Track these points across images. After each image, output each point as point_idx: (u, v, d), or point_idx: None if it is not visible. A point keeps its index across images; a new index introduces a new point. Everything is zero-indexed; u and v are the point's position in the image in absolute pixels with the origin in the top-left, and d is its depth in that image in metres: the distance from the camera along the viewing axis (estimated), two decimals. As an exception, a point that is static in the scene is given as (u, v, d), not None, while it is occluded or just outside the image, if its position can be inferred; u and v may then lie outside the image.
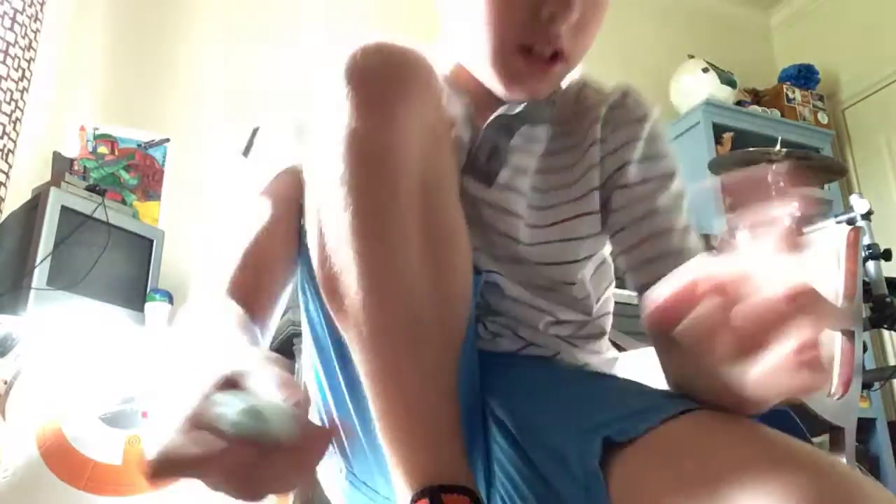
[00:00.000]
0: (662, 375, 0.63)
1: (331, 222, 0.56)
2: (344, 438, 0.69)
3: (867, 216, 2.15)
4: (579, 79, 0.87)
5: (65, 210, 2.19)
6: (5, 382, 1.11)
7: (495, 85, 0.76)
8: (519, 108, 0.76)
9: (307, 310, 0.71)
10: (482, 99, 0.78)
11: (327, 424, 0.70)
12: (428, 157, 0.57)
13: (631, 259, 0.77)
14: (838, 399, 1.29)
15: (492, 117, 0.76)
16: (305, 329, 0.72)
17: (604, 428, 0.56)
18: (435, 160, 0.58)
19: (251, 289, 0.74)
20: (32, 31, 2.37)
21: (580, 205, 0.78)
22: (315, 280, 0.60)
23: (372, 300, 0.54)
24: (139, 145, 2.80)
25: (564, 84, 0.84)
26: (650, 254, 0.75)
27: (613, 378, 0.79)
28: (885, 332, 3.67)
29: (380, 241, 0.54)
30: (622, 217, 0.78)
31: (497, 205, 0.75)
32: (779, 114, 3.76)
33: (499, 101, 0.78)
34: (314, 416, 0.72)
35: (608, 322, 0.87)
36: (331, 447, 0.71)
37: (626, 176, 0.78)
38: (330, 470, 0.76)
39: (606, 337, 0.87)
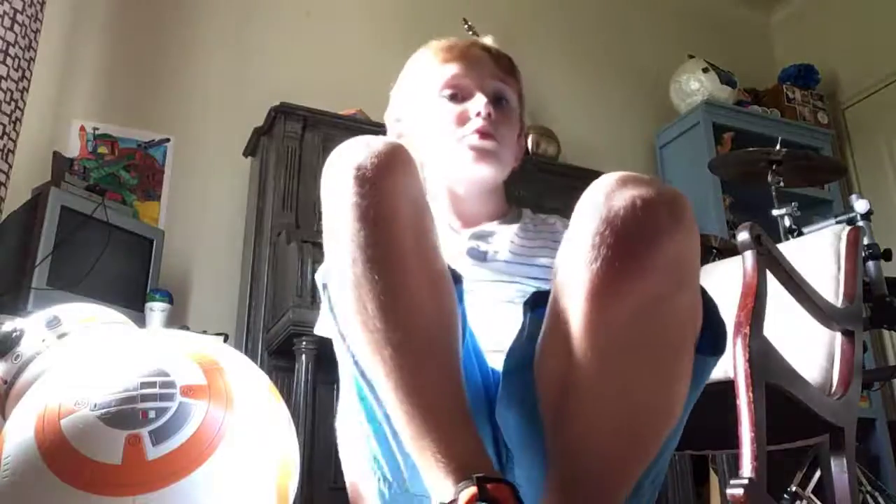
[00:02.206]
0: None
1: (347, 274, 0.70)
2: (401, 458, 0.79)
3: (867, 216, 2.14)
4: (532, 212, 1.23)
5: (65, 210, 2.19)
6: (5, 382, 1.11)
7: (466, 162, 1.09)
8: (486, 227, 1.13)
9: (354, 359, 0.80)
10: (461, 217, 1.16)
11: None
12: (414, 217, 0.73)
13: None
14: (838, 399, 1.28)
15: (472, 231, 1.12)
16: (349, 375, 0.82)
17: None
18: (417, 216, 0.74)
19: None
20: (32, 31, 2.37)
21: (545, 269, 1.02)
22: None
23: (390, 325, 0.67)
24: (139, 145, 2.81)
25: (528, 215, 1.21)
26: None
27: None
28: (885, 332, 3.67)
29: (389, 278, 0.68)
30: None
31: (490, 269, 1.06)
32: (779, 114, 3.76)
33: (468, 217, 1.15)
34: (369, 443, 0.81)
35: None
36: (375, 465, 0.83)
37: None
38: (372, 488, 0.84)
39: None
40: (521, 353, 0.77)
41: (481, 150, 1.09)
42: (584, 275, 0.64)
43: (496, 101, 1.13)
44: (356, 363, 0.77)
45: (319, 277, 0.86)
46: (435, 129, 1.12)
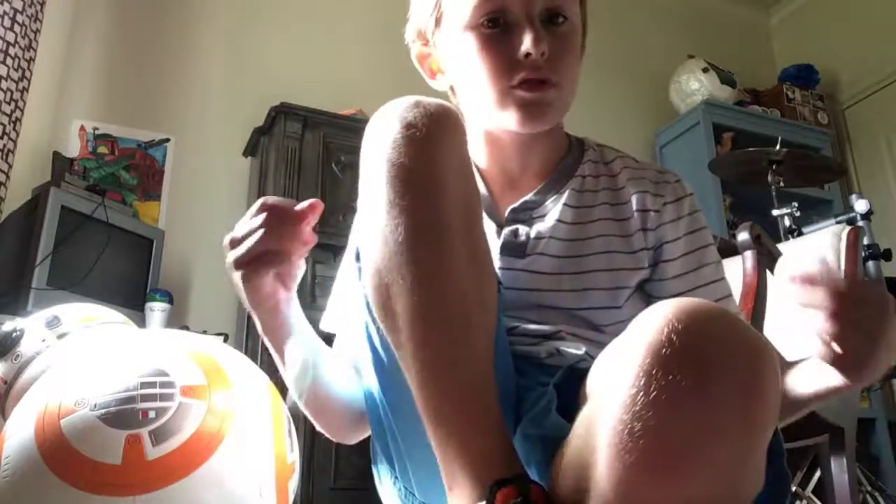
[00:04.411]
0: None
1: (382, 239, 0.65)
2: (401, 443, 0.73)
3: (867, 216, 2.15)
4: (594, 142, 0.99)
5: (65, 210, 2.19)
6: (5, 382, 1.11)
7: (511, 123, 0.87)
8: (529, 196, 0.91)
9: (368, 333, 0.75)
10: (497, 187, 0.94)
11: (395, 444, 0.76)
12: (460, 187, 0.68)
13: None
14: (838, 399, 1.28)
15: (511, 207, 0.91)
16: (367, 353, 0.77)
17: None
18: (465, 190, 0.69)
19: None
20: (32, 31, 2.37)
21: (602, 259, 0.88)
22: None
23: (428, 297, 0.62)
24: (139, 145, 2.81)
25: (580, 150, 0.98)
26: None
27: None
28: (885, 332, 3.66)
29: (431, 248, 0.64)
30: (668, 286, 0.88)
31: (529, 269, 0.88)
32: (779, 114, 3.76)
33: (511, 186, 0.93)
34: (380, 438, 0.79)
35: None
36: (391, 472, 0.78)
37: (673, 250, 0.89)
38: (391, 494, 0.81)
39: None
40: (546, 425, 0.69)
41: (533, 104, 0.85)
42: (612, 463, 0.48)
43: (550, 20, 0.85)
44: (374, 348, 0.72)
45: (354, 241, 0.80)
46: (471, 71, 0.87)
